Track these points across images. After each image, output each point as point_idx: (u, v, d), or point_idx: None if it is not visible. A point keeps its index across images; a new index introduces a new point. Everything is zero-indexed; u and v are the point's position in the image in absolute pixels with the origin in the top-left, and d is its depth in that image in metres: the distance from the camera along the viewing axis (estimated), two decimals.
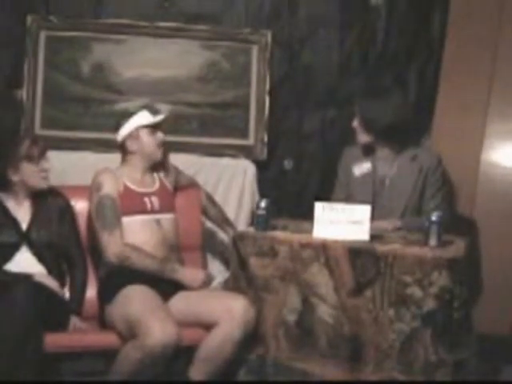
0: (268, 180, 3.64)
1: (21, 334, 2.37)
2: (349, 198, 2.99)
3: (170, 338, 2.40)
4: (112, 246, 2.69)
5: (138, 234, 2.75)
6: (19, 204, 2.78)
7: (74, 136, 3.47)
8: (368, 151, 3.07)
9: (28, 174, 2.72)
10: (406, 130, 3.06)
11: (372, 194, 3.00)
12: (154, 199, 2.85)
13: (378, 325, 2.42)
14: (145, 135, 2.85)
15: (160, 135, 2.88)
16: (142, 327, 2.41)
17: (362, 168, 3.05)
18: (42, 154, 2.75)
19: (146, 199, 2.83)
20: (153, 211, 2.82)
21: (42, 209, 2.79)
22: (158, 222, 2.82)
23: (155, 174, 2.94)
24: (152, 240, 2.77)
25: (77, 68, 3.46)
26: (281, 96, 3.65)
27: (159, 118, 2.88)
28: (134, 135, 2.85)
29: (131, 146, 2.85)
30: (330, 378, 2.52)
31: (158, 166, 2.95)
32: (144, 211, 2.80)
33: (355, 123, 3.02)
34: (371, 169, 3.03)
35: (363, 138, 3.02)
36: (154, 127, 2.86)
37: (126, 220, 2.76)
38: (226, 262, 3.28)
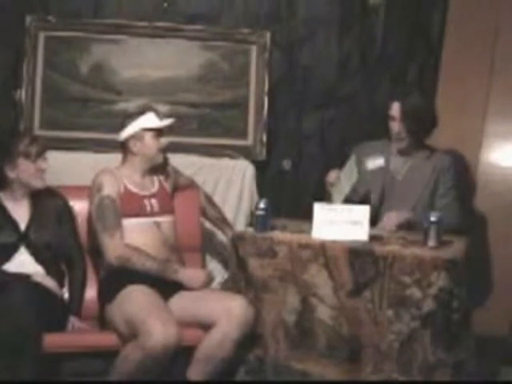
0: (267, 180, 3.64)
1: (20, 334, 2.36)
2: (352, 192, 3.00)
3: (170, 339, 2.40)
4: (113, 248, 2.69)
5: (137, 237, 2.75)
6: (18, 204, 2.77)
7: (73, 136, 3.47)
8: (383, 146, 3.07)
9: (24, 170, 2.71)
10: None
11: (382, 188, 3.01)
12: (154, 201, 2.85)
13: (377, 325, 2.42)
14: (149, 138, 2.84)
15: (163, 140, 2.87)
16: (142, 327, 2.41)
17: (375, 163, 3.06)
18: (39, 153, 2.73)
19: (146, 202, 2.83)
20: (152, 214, 2.82)
21: (41, 209, 2.79)
22: (157, 224, 2.82)
23: (154, 176, 2.94)
24: (152, 242, 2.76)
25: (76, 68, 3.46)
26: (280, 96, 3.65)
27: (166, 122, 2.88)
28: (137, 136, 2.83)
29: (134, 146, 2.85)
30: (329, 378, 2.52)
31: (158, 168, 2.95)
32: (144, 214, 2.80)
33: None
34: (384, 164, 3.04)
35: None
36: (158, 131, 2.85)
37: (125, 222, 2.75)
38: (225, 263, 3.28)
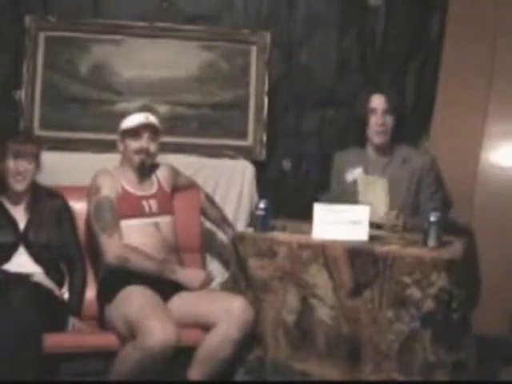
0: (267, 180, 3.64)
1: (20, 334, 2.36)
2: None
3: (169, 339, 2.39)
4: (111, 248, 2.69)
5: (136, 238, 2.75)
6: (17, 204, 2.78)
7: (73, 136, 3.47)
8: (359, 156, 3.06)
9: (4, 170, 2.71)
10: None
11: None
12: (153, 202, 2.85)
13: (377, 325, 2.42)
14: (128, 139, 2.85)
15: (140, 142, 2.82)
16: (141, 327, 2.41)
17: (354, 173, 3.04)
18: (17, 155, 2.70)
19: (144, 202, 2.84)
20: (151, 214, 2.83)
21: (40, 209, 2.79)
22: (156, 225, 2.82)
23: (153, 176, 2.95)
24: (151, 243, 2.77)
25: (75, 68, 3.46)
26: (279, 96, 3.65)
27: (136, 123, 2.82)
28: (120, 138, 2.88)
29: (119, 147, 2.89)
30: (329, 378, 2.51)
31: (155, 167, 2.96)
32: (142, 215, 2.80)
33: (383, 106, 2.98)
34: (363, 174, 3.02)
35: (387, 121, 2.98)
36: (136, 132, 2.83)
37: (124, 223, 2.75)
38: (225, 263, 3.28)
